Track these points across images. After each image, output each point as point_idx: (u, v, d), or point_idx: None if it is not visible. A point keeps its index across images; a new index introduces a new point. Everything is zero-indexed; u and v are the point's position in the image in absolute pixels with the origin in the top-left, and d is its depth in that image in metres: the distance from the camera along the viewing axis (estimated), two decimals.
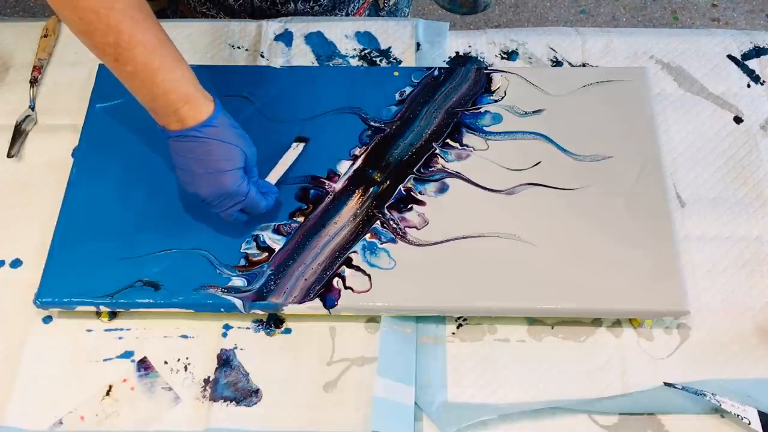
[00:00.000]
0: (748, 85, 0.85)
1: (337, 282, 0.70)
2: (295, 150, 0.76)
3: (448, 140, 0.78)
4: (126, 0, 0.60)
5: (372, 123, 0.79)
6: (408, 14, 1.07)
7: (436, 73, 0.83)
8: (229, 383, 0.68)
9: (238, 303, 0.69)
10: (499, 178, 0.75)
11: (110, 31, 0.60)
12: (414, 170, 0.76)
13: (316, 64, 0.87)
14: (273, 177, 0.74)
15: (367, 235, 0.72)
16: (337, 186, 0.75)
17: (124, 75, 0.64)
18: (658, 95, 0.84)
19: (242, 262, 0.71)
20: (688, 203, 0.77)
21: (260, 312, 0.70)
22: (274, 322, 0.71)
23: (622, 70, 0.83)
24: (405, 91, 0.82)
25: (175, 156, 0.67)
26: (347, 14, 0.95)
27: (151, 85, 0.63)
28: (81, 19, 0.60)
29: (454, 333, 0.71)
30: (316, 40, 0.88)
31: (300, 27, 0.89)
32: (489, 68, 0.84)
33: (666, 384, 0.66)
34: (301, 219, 0.73)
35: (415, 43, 0.88)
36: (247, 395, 0.68)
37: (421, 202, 0.74)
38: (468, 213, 0.73)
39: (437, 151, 0.77)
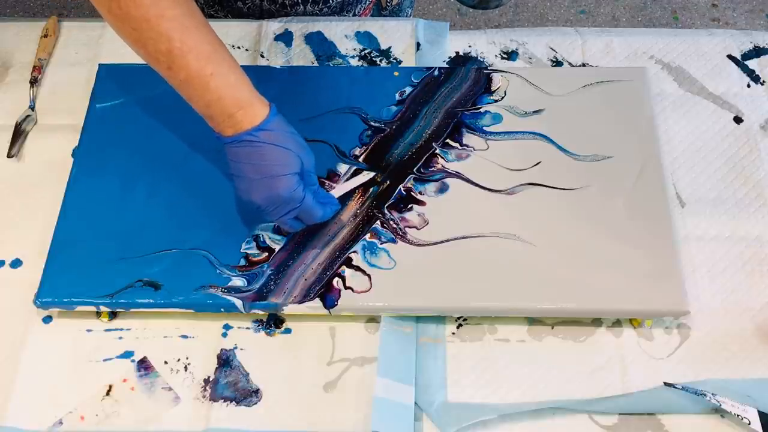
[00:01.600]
0: (748, 85, 0.85)
1: (337, 282, 0.70)
2: (366, 176, 0.75)
3: (448, 140, 0.78)
4: (178, 8, 0.61)
5: (372, 123, 0.79)
6: (410, 14, 1.07)
7: (436, 73, 0.83)
8: (229, 383, 0.68)
9: (238, 303, 0.69)
10: (499, 178, 0.75)
11: (162, 40, 0.61)
12: (414, 170, 0.76)
13: (316, 64, 0.87)
14: (337, 191, 0.73)
15: (367, 235, 0.72)
16: (337, 186, 0.75)
17: (178, 83, 0.63)
18: (658, 95, 0.84)
19: (242, 262, 0.71)
20: (688, 203, 0.77)
21: (260, 312, 0.70)
22: (274, 322, 0.71)
23: (622, 70, 0.83)
24: (405, 91, 0.82)
25: (231, 163, 0.66)
26: (354, 15, 0.95)
27: (204, 92, 0.63)
28: (134, 30, 0.61)
29: (454, 333, 0.71)
30: (316, 40, 0.88)
31: (300, 27, 0.89)
32: (489, 68, 0.84)
33: (666, 384, 0.66)
34: None
35: (415, 43, 0.88)
36: (247, 395, 0.68)
37: (421, 202, 0.74)
38: (468, 213, 0.73)
39: (437, 151, 0.77)
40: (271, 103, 0.66)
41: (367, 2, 0.96)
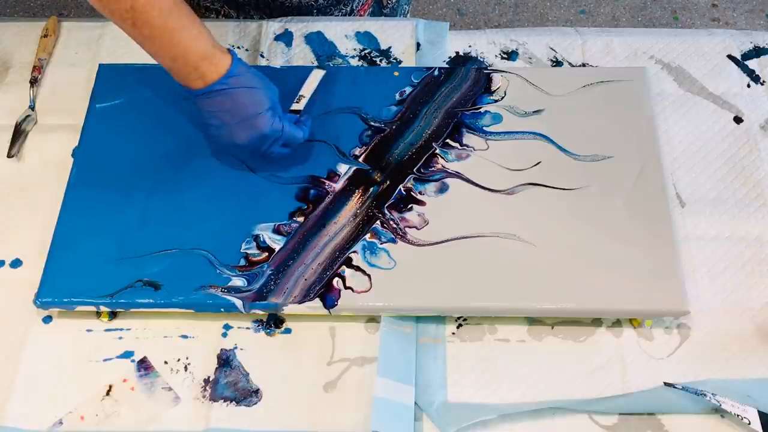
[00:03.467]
0: (748, 85, 0.85)
1: (337, 282, 0.70)
2: (315, 77, 0.78)
3: (448, 140, 0.78)
4: None
5: (372, 123, 0.79)
6: (407, 12, 1.07)
7: (436, 73, 0.83)
8: (229, 383, 0.68)
9: (238, 303, 0.69)
10: (499, 178, 0.75)
11: None
12: (414, 170, 0.76)
13: (316, 64, 0.87)
14: (299, 106, 0.77)
15: (367, 235, 0.72)
16: (337, 186, 0.75)
17: (143, 38, 0.66)
18: (658, 95, 0.84)
19: (242, 262, 0.71)
20: (688, 203, 0.77)
21: (260, 312, 0.70)
22: (274, 322, 0.71)
23: (622, 70, 0.83)
24: (405, 91, 0.82)
25: (205, 114, 0.70)
26: (351, 10, 0.95)
27: (169, 46, 0.66)
28: None
29: (454, 333, 0.71)
30: (316, 40, 0.88)
31: (300, 27, 0.89)
32: (489, 68, 0.84)
33: (666, 384, 0.66)
34: (301, 219, 0.73)
35: (415, 43, 0.88)
36: (247, 395, 0.68)
37: (421, 202, 0.74)
38: (468, 213, 0.73)
39: (437, 151, 0.77)
40: (230, 48, 0.70)
41: None
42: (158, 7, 0.64)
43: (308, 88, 0.79)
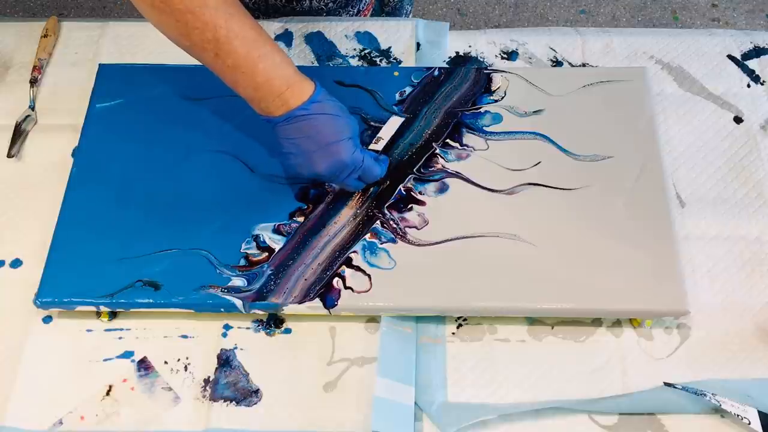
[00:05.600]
0: (748, 85, 0.85)
1: (337, 282, 0.70)
2: (394, 123, 0.78)
3: (448, 140, 0.78)
4: None
5: (372, 123, 0.79)
6: (410, 12, 1.07)
7: (436, 73, 0.83)
8: (229, 383, 0.68)
9: (238, 303, 0.69)
10: (499, 178, 0.75)
11: (207, 28, 0.62)
12: (414, 170, 0.76)
13: (316, 64, 0.87)
14: (378, 147, 0.76)
15: (367, 235, 0.72)
16: (337, 186, 0.75)
17: (225, 69, 0.65)
18: (658, 95, 0.84)
19: (242, 262, 0.71)
20: (688, 203, 0.77)
21: (260, 312, 0.70)
22: (274, 322, 0.71)
23: (622, 70, 0.83)
24: (405, 91, 0.82)
25: (284, 141, 0.68)
26: (358, 11, 0.96)
27: (253, 75, 0.65)
28: (178, 21, 0.62)
29: (454, 333, 0.71)
30: (316, 40, 0.88)
31: (300, 27, 0.89)
32: (489, 68, 0.84)
33: (666, 384, 0.66)
34: (301, 219, 0.73)
35: (415, 43, 0.88)
36: (247, 395, 0.68)
37: (421, 202, 0.74)
38: (468, 213, 0.73)
39: (437, 151, 0.77)
40: (314, 78, 0.68)
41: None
42: (242, 36, 0.63)
43: (387, 132, 0.77)
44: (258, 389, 0.68)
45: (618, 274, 0.69)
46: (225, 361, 0.69)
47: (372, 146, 0.76)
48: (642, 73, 0.82)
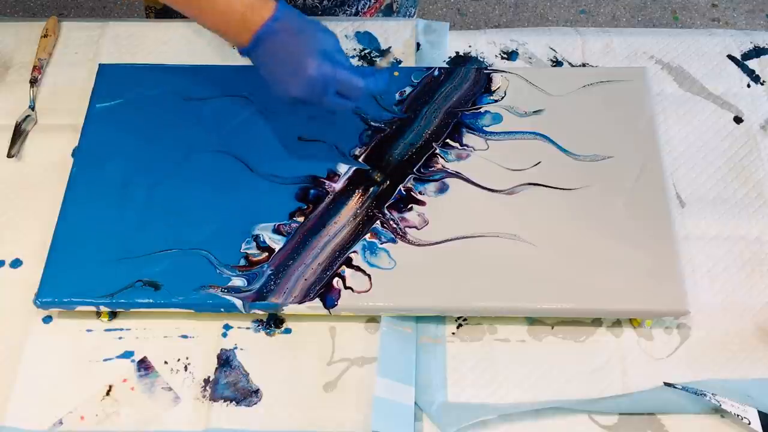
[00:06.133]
0: (748, 85, 0.85)
1: (337, 282, 0.70)
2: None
3: (448, 140, 0.78)
4: None
5: (372, 123, 0.79)
6: (414, 14, 1.07)
7: (436, 73, 0.83)
8: (229, 383, 0.68)
9: (238, 303, 0.69)
10: (499, 178, 0.75)
11: None
12: (414, 170, 0.76)
13: None
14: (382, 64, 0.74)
15: (367, 235, 0.72)
16: (337, 186, 0.75)
17: (188, 4, 0.66)
18: (658, 95, 0.84)
19: (242, 262, 0.71)
20: (688, 203, 0.77)
21: (260, 312, 0.70)
22: (274, 322, 0.71)
23: (622, 70, 0.83)
24: (405, 91, 0.82)
25: (260, 69, 0.68)
26: (356, 11, 0.95)
27: (215, 2, 0.66)
28: None
29: (454, 333, 0.71)
30: None
31: None
32: (489, 68, 0.84)
33: (666, 384, 0.66)
34: (301, 219, 0.73)
35: (415, 43, 0.88)
36: (247, 395, 0.68)
37: (421, 202, 0.74)
38: (468, 213, 0.73)
39: (437, 151, 0.77)
40: None
41: (373, 2, 0.96)
42: None
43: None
44: (258, 389, 0.68)
45: (618, 274, 0.69)
46: (225, 361, 0.69)
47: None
48: (642, 73, 0.82)
